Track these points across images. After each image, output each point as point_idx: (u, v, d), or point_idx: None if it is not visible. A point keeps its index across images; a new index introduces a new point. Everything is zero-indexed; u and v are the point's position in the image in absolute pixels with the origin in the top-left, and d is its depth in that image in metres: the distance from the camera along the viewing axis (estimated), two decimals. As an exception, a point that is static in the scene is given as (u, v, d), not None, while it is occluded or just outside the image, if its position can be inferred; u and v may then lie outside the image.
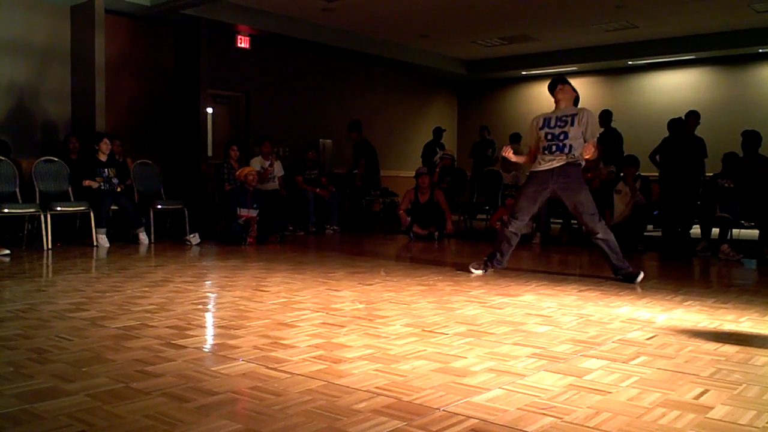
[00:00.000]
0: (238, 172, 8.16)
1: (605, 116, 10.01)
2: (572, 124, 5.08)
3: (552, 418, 2.05)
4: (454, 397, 2.24)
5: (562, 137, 5.08)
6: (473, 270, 5.39)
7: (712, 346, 3.03)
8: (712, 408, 2.16)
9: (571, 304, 4.06)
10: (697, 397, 2.27)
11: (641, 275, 5.00)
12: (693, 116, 8.69)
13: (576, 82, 15.45)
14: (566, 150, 5.07)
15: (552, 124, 5.15)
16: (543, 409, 2.14)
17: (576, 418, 2.06)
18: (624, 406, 2.18)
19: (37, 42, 8.57)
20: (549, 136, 5.14)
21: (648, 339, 3.15)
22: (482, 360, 2.73)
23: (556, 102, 5.21)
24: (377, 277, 5.12)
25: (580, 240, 8.26)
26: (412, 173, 8.99)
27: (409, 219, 8.63)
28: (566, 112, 5.15)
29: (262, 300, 4.09)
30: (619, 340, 3.13)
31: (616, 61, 13.01)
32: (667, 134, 9.07)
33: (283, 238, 8.21)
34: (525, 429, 1.97)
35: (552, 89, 5.23)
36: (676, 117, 9.11)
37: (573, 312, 3.81)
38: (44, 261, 6.18)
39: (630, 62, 13.06)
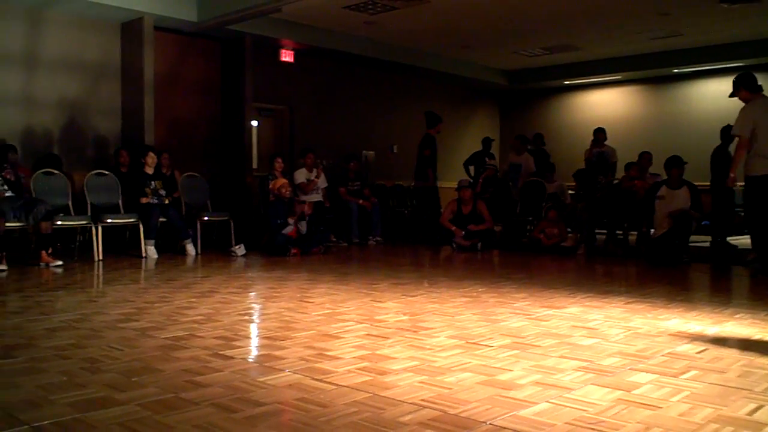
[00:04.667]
0: (270, 186, 8.26)
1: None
2: None
3: (600, 433, 2.02)
4: (500, 411, 2.22)
5: None
6: None
7: (765, 360, 2.95)
8: (766, 425, 2.10)
9: (618, 317, 3.99)
10: (750, 413, 2.21)
11: None
12: None
13: (620, 91, 15.20)
14: None
15: None
16: (591, 423, 2.11)
17: (625, 433, 2.03)
18: (675, 421, 2.13)
19: (89, 59, 8.81)
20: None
21: (698, 353, 3.08)
22: (528, 373, 2.70)
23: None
24: (421, 289, 5.12)
25: (626, 251, 8.12)
26: (455, 184, 8.94)
27: (455, 230, 8.57)
28: None
29: (307, 311, 4.13)
30: (668, 353, 3.07)
31: (661, 69, 12.79)
32: (718, 142, 8.90)
33: (327, 249, 8.26)
34: (573, 444, 1.95)
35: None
36: (729, 125, 8.90)
37: (620, 324, 3.75)
38: (95, 272, 6.34)
39: (675, 70, 12.83)
